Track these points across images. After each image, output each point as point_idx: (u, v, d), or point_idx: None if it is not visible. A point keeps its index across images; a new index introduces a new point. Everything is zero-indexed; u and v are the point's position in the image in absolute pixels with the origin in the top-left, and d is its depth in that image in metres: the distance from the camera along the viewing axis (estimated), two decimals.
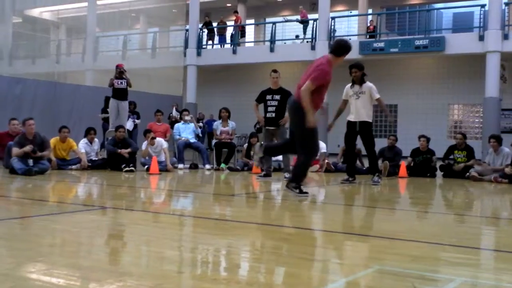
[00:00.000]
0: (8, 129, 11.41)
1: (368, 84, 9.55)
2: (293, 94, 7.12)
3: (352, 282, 3.01)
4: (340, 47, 6.95)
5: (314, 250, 3.93)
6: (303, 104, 6.62)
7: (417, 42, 21.02)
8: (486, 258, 3.92)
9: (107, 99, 15.71)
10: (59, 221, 4.82)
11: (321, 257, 3.64)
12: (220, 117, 13.37)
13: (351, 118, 9.62)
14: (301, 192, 6.90)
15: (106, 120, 15.65)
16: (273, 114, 10.22)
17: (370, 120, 9.56)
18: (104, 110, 15.84)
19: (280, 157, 11.61)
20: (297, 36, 26.58)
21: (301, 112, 6.69)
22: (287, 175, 10.11)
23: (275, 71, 10.52)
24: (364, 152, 10.10)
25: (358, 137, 9.66)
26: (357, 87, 9.55)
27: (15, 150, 9.73)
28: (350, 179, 9.73)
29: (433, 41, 20.74)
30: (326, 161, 12.97)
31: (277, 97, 10.25)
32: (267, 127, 10.35)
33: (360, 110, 9.50)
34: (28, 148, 9.68)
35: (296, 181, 6.95)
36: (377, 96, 9.54)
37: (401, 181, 11.15)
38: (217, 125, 13.33)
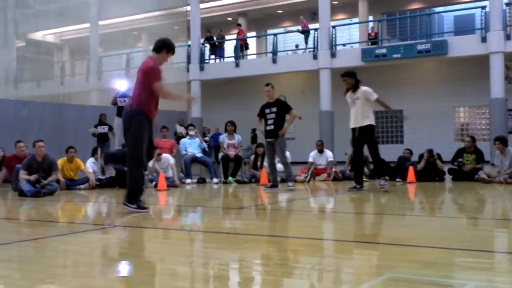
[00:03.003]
0: (15, 152, 11.46)
1: (362, 88, 9.61)
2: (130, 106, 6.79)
3: None
4: (156, 44, 6.85)
5: (325, 261, 3.92)
6: (167, 93, 6.73)
7: (420, 47, 21.00)
8: (499, 261, 3.89)
9: (101, 117, 15.81)
10: (70, 242, 4.82)
11: (333, 267, 3.63)
12: (226, 131, 13.43)
13: (351, 124, 9.70)
14: (139, 207, 6.59)
15: (99, 139, 15.62)
16: (272, 127, 10.31)
17: (371, 123, 9.56)
18: (96, 126, 15.86)
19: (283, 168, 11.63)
20: (297, 46, 26.62)
21: (134, 117, 6.59)
22: (290, 184, 10.17)
23: (267, 84, 10.64)
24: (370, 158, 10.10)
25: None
26: (352, 94, 9.64)
27: (22, 174, 9.76)
28: (358, 186, 9.71)
29: (436, 45, 20.73)
30: (334, 169, 12.96)
31: (274, 109, 10.36)
32: (267, 139, 10.45)
33: (357, 116, 9.58)
34: (33, 177, 9.70)
35: (130, 198, 6.62)
36: (374, 97, 9.54)
37: (410, 186, 11.12)
38: (223, 139, 13.37)
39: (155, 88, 6.62)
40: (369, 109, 9.62)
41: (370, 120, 9.57)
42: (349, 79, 9.68)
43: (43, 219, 6.91)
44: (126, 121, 6.73)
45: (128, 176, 6.75)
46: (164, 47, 6.83)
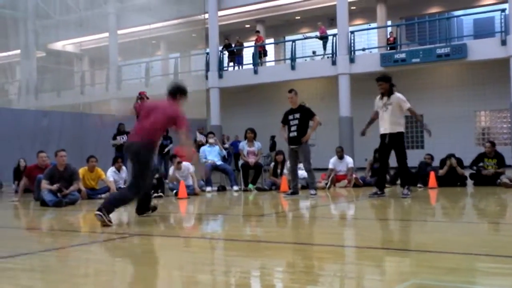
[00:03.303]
0: (37, 162, 11.57)
1: (396, 94, 9.50)
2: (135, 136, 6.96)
3: None
4: (174, 90, 7.34)
5: (347, 268, 3.90)
6: (189, 140, 7.17)
7: (439, 51, 20.88)
8: None
9: (119, 126, 15.95)
10: (91, 251, 4.85)
11: (355, 274, 3.60)
12: (245, 138, 13.43)
13: (381, 130, 9.59)
14: (108, 220, 6.40)
15: (118, 149, 15.76)
16: (295, 133, 10.22)
17: (401, 131, 9.50)
18: (115, 137, 16.01)
19: (306, 175, 11.61)
20: (314, 52, 26.58)
21: (149, 152, 6.85)
22: (313, 191, 10.11)
23: (290, 91, 10.51)
24: (392, 164, 10.02)
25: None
26: (385, 99, 9.53)
27: (44, 184, 9.84)
28: (379, 192, 9.65)
29: (455, 49, 20.58)
30: (354, 175, 12.91)
31: (297, 115, 10.27)
32: (290, 146, 10.36)
33: (388, 122, 9.45)
34: (54, 187, 9.78)
35: (110, 209, 6.57)
36: (407, 106, 9.44)
37: (431, 192, 11.03)
38: (243, 146, 13.37)
39: (183, 134, 6.87)
40: (401, 116, 9.54)
41: (401, 127, 9.51)
42: (384, 83, 9.54)
43: (65, 228, 6.96)
44: (139, 153, 6.80)
45: (122, 195, 6.92)
46: (178, 91, 7.33)
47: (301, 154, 10.28)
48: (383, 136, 9.58)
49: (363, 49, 25.62)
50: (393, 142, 9.45)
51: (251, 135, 13.24)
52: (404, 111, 9.50)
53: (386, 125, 9.49)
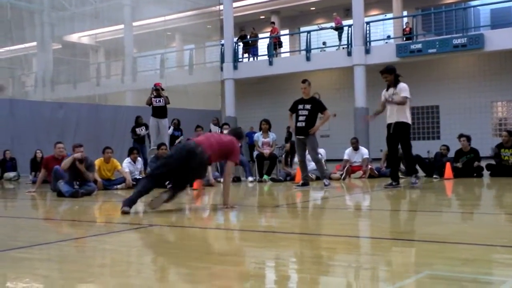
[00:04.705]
0: (53, 153, 11.64)
1: (401, 85, 9.44)
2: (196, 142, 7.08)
3: None
4: (238, 134, 7.65)
5: (362, 258, 3.89)
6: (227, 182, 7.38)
7: (455, 41, 20.69)
8: None
9: (137, 119, 15.98)
10: (107, 241, 4.88)
11: (369, 265, 3.60)
12: (260, 129, 13.42)
13: (387, 120, 9.58)
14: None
15: (137, 140, 15.81)
16: (303, 124, 10.17)
17: (406, 121, 9.43)
18: (134, 130, 16.03)
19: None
20: (324, 43, 26.45)
21: (202, 161, 7.04)
22: (326, 182, 10.11)
23: (303, 81, 10.46)
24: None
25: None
26: (391, 90, 9.49)
27: (64, 162, 9.85)
28: (394, 183, 9.61)
29: (472, 39, 20.39)
30: (369, 166, 12.87)
31: (308, 106, 10.22)
32: (297, 136, 10.35)
33: (393, 112, 9.43)
34: (78, 155, 9.80)
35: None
36: (403, 95, 9.35)
37: (447, 183, 10.97)
38: (258, 137, 13.37)
39: (230, 169, 7.47)
40: (406, 106, 9.44)
41: (406, 118, 9.43)
42: (389, 75, 9.48)
43: (81, 219, 7.00)
44: (192, 156, 6.93)
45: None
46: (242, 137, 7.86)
47: (308, 145, 10.26)
48: (388, 125, 9.58)
49: (387, 38, 25.31)
50: (397, 132, 9.43)
51: (266, 126, 13.22)
52: (400, 98, 9.38)
53: (391, 115, 9.49)
